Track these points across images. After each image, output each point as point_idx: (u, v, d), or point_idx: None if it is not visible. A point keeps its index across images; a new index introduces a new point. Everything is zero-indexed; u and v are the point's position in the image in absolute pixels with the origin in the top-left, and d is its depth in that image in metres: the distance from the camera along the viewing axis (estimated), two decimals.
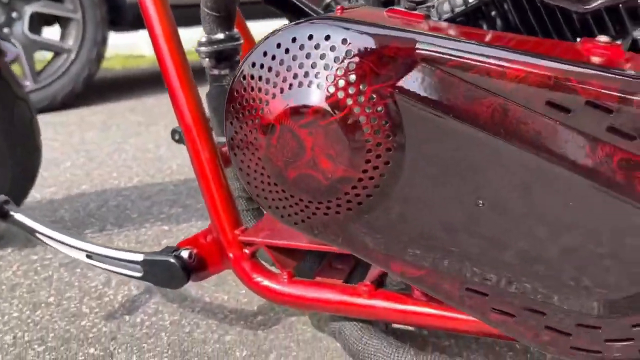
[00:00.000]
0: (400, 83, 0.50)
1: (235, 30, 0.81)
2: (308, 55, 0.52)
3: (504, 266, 0.52)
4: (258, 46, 0.55)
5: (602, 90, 0.46)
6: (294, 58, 0.53)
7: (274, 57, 0.54)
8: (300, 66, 0.52)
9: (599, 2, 0.56)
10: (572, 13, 0.59)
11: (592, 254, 0.49)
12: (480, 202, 0.51)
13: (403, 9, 0.62)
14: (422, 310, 0.64)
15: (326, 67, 0.52)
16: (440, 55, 0.49)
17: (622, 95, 0.46)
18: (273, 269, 0.77)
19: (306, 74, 0.52)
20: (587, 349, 0.53)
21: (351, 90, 0.51)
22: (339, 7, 0.61)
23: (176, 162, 1.81)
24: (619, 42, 0.60)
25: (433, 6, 0.69)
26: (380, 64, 0.51)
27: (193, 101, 0.75)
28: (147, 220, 1.40)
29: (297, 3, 0.78)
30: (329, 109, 0.51)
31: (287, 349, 0.85)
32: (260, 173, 0.57)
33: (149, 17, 0.76)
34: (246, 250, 0.75)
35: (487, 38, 0.56)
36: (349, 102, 0.51)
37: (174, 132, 0.95)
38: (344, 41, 0.51)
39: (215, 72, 0.81)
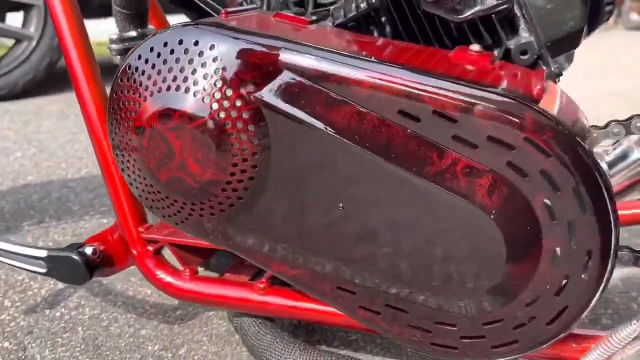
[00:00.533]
0: (265, 90, 0.51)
1: (150, 27, 0.81)
2: (177, 60, 0.53)
3: (365, 266, 0.54)
4: (133, 51, 0.56)
5: (447, 101, 0.48)
6: (164, 62, 0.54)
7: (146, 61, 0.55)
8: (169, 70, 0.53)
9: (471, 12, 0.58)
10: (450, 22, 0.61)
11: (442, 255, 0.51)
12: (340, 205, 0.53)
13: (290, 14, 0.63)
14: (308, 306, 0.66)
15: (193, 71, 0.53)
16: (301, 64, 0.51)
17: (465, 105, 0.47)
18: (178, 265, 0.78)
19: (174, 78, 0.53)
20: (445, 345, 0.55)
21: (217, 96, 0.52)
22: (224, 10, 0.63)
23: None
24: (495, 51, 0.62)
25: (329, 11, 0.70)
26: (246, 70, 0.52)
27: (98, 98, 0.76)
28: (87, 212, 1.40)
29: (200, 3, 0.78)
30: (195, 113, 0.52)
31: (198, 343, 0.86)
32: (138, 174, 0.59)
33: (56, 15, 0.76)
34: (150, 248, 0.76)
35: (364, 46, 0.57)
36: (215, 107, 0.52)
37: None
38: (212, 47, 0.52)
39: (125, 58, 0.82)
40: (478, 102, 0.47)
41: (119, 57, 0.81)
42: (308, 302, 0.67)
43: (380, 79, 0.49)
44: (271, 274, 0.71)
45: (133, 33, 0.78)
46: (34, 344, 0.87)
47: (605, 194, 0.47)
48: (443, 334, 0.54)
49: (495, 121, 0.47)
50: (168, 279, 0.75)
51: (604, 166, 0.86)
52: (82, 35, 0.76)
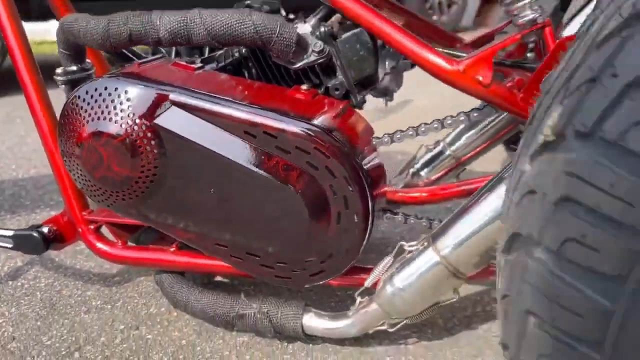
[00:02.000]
0: (160, 119, 0.82)
1: (87, 61, 1.09)
2: (104, 100, 0.83)
3: (230, 227, 0.85)
4: (76, 91, 0.85)
5: (271, 124, 0.79)
6: (96, 101, 0.83)
7: (84, 100, 0.84)
8: (99, 106, 0.83)
9: (300, 64, 0.90)
10: (290, 69, 0.93)
11: (275, 220, 0.83)
12: (212, 190, 0.84)
13: (183, 62, 0.94)
14: (205, 262, 0.97)
15: (115, 107, 0.82)
16: (183, 101, 0.81)
17: (282, 127, 0.79)
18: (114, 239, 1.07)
19: (103, 112, 0.83)
20: (283, 277, 0.87)
21: (130, 122, 0.82)
22: (137, 62, 0.92)
23: None
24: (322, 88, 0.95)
25: (215, 56, 1.01)
26: (148, 106, 0.82)
27: (44, 102, 1.03)
28: (38, 206, 1.65)
29: (127, 53, 1.06)
30: (116, 133, 0.82)
31: (131, 298, 1.16)
32: (80, 173, 0.88)
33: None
34: (91, 227, 1.05)
35: (228, 86, 0.88)
36: (129, 130, 0.82)
37: None
38: (126, 92, 0.82)
39: (71, 95, 1.10)
40: (289, 126, 0.79)
41: (63, 86, 1.08)
42: (204, 259, 0.98)
43: (231, 112, 0.80)
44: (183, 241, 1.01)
45: (74, 67, 1.05)
46: (2, 305, 1.15)
47: (364, 180, 0.79)
48: (281, 269, 0.86)
49: (299, 137, 0.79)
50: (105, 248, 1.04)
51: (428, 157, 1.21)
52: (22, 37, 1.01)
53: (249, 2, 1.04)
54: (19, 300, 1.16)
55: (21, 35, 1.02)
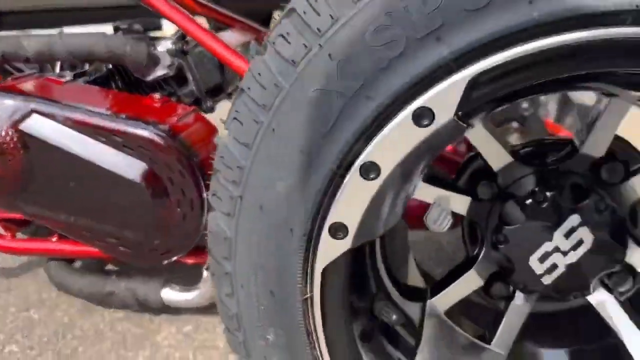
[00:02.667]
0: (23, 125, 0.96)
1: None
2: None
3: (89, 218, 1.01)
4: None
5: (120, 129, 0.95)
6: None
7: None
8: None
9: (152, 77, 1.06)
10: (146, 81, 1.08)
11: (129, 210, 0.99)
12: (72, 185, 0.99)
13: (54, 77, 1.08)
14: (81, 249, 1.12)
15: None
16: (44, 110, 0.96)
17: (129, 131, 0.95)
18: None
19: None
20: (140, 257, 1.03)
21: (2, 130, 0.96)
22: (11, 77, 1.07)
23: None
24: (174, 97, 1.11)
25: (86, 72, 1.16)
26: (14, 114, 0.96)
27: None
28: None
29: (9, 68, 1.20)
30: None
31: (25, 285, 1.29)
32: None
33: None
34: None
35: (88, 96, 1.03)
36: (3, 134, 0.96)
37: None
38: (1, 104, 0.97)
39: None
40: (133, 129, 0.95)
41: None
42: (78, 246, 1.12)
43: (84, 118, 0.96)
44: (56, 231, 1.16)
45: None
46: None
47: (197, 173, 0.96)
48: (136, 250, 1.02)
49: (141, 139, 0.94)
50: None
51: None
52: None
53: (117, 24, 1.20)
54: None
55: None
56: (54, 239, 1.15)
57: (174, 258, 1.03)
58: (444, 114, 0.44)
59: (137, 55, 1.01)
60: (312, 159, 0.50)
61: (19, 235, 1.24)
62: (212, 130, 1.07)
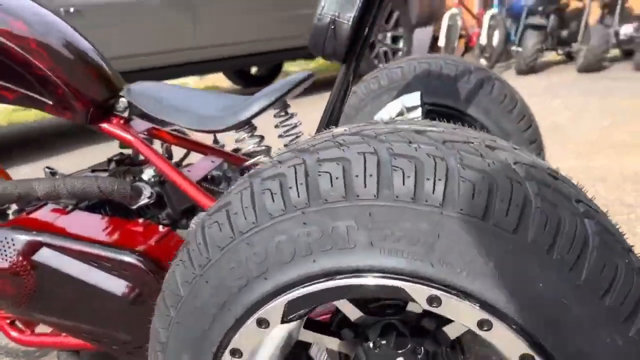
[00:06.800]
0: (35, 255, 1.25)
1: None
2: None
3: (84, 323, 1.28)
4: None
5: (103, 254, 1.22)
6: None
7: None
8: None
9: (136, 205, 1.34)
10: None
11: (106, 313, 1.25)
12: (70, 298, 1.26)
13: (60, 207, 1.37)
14: (78, 342, 1.39)
15: (7, 249, 1.25)
16: (50, 242, 1.24)
17: (109, 256, 1.22)
18: None
19: (0, 251, 1.26)
20: (129, 352, 1.29)
21: (15, 259, 1.25)
22: (26, 211, 1.36)
23: None
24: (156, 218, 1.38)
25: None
26: (25, 247, 1.25)
27: None
28: None
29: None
30: (8, 267, 1.25)
31: None
32: None
33: None
34: (7, 321, 1.47)
35: (87, 224, 1.31)
36: (14, 265, 1.25)
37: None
38: (12, 239, 1.25)
39: None
40: (115, 255, 1.22)
41: None
42: (80, 341, 1.40)
43: (80, 247, 1.23)
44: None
45: None
46: None
47: None
48: (124, 347, 1.29)
49: (123, 262, 1.22)
50: (18, 336, 1.46)
51: None
52: None
53: (111, 157, 1.49)
54: None
55: None
56: (64, 334, 1.43)
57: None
58: (275, 321, 0.70)
59: (123, 192, 1.30)
60: (201, 344, 0.75)
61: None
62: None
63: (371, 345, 0.81)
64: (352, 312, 0.83)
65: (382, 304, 0.88)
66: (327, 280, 0.65)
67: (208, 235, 0.71)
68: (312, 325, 0.86)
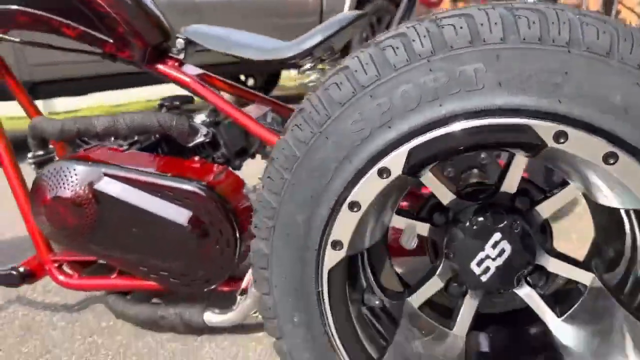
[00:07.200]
0: (96, 186, 1.26)
1: (50, 147, 1.53)
2: (61, 176, 1.27)
3: (146, 256, 1.29)
4: (45, 169, 1.29)
5: (169, 185, 1.24)
6: (58, 175, 1.27)
7: (49, 175, 1.28)
8: (60, 179, 1.27)
9: (192, 143, 1.36)
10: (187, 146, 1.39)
11: (169, 247, 1.27)
12: (134, 230, 1.27)
13: (115, 146, 1.39)
14: (138, 282, 1.39)
15: (70, 178, 1.26)
16: (112, 173, 1.26)
17: (176, 187, 1.24)
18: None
19: (63, 183, 1.27)
20: (186, 285, 1.30)
21: (77, 189, 1.26)
22: (83, 148, 1.38)
23: None
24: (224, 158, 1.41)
25: (138, 141, 1.47)
26: (88, 177, 1.26)
27: (18, 177, 1.46)
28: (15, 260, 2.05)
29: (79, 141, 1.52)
30: (71, 197, 1.26)
31: (87, 318, 1.56)
32: (48, 227, 1.31)
33: None
34: (55, 265, 1.47)
35: (142, 160, 1.33)
36: (77, 195, 1.26)
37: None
38: (75, 169, 1.27)
39: (39, 172, 1.54)
40: (180, 185, 1.24)
41: (34, 165, 1.52)
42: (135, 280, 1.40)
43: (143, 178, 1.25)
44: (119, 268, 1.44)
45: (40, 152, 1.50)
46: None
47: (232, 218, 1.24)
48: (184, 281, 1.30)
49: (186, 192, 1.23)
50: (66, 280, 1.46)
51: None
52: None
53: (161, 102, 1.51)
54: (1, 327, 1.56)
55: None
56: (113, 275, 1.43)
57: (213, 286, 1.30)
58: (396, 171, 0.72)
59: (181, 128, 1.32)
60: (319, 200, 0.78)
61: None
62: (240, 183, 1.37)
63: (467, 224, 0.84)
64: (445, 195, 0.87)
65: (474, 189, 0.91)
66: (452, 123, 0.68)
67: (326, 95, 0.74)
68: (403, 213, 0.89)
